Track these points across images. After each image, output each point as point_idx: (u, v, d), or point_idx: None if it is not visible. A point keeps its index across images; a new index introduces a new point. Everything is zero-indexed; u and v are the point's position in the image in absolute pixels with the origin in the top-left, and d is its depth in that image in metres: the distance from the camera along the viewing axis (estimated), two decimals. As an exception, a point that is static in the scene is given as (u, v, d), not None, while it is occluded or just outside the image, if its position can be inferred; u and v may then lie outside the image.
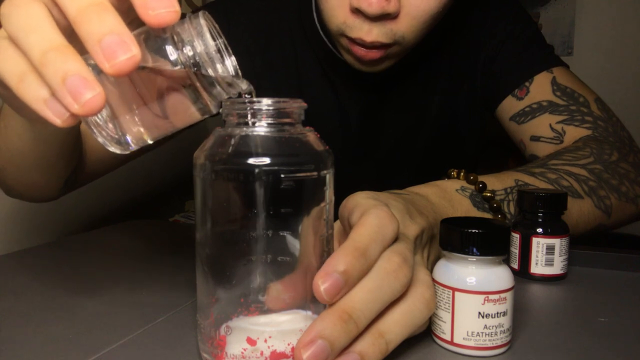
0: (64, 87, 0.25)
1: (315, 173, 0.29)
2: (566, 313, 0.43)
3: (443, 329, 0.35)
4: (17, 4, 0.27)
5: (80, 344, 0.36)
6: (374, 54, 0.58)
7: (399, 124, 0.76)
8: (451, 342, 0.34)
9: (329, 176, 0.30)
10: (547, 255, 0.48)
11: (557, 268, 0.49)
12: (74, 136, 0.52)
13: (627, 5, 1.83)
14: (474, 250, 0.33)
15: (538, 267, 0.49)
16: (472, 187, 0.50)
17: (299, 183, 0.28)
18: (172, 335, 0.37)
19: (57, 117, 0.27)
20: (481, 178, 0.51)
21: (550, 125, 0.66)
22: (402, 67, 0.70)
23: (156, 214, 1.35)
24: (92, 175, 0.65)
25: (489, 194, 0.50)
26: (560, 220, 0.49)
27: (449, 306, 0.34)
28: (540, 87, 0.67)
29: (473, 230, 0.33)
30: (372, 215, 0.31)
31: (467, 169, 0.52)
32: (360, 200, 0.34)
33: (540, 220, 0.49)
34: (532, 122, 0.67)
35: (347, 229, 0.35)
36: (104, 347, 0.35)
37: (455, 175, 0.51)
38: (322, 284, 0.27)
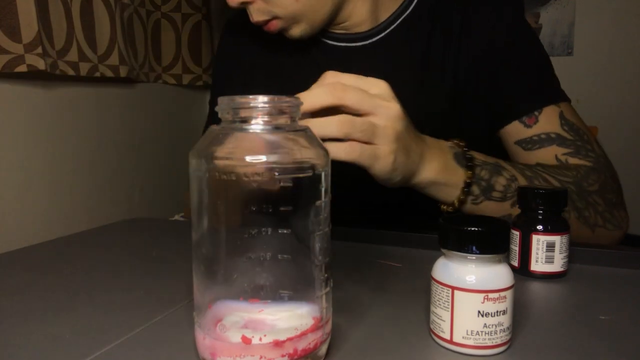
0: None
1: (310, 171, 0.29)
2: (566, 311, 0.42)
3: (442, 328, 0.34)
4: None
5: (78, 343, 0.35)
6: (269, 27, 0.71)
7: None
8: (451, 341, 0.34)
9: (324, 174, 0.30)
10: (547, 252, 0.48)
11: (557, 265, 0.48)
12: None
13: (627, 5, 1.83)
14: (473, 248, 0.33)
15: (538, 264, 0.49)
16: (459, 149, 0.59)
17: (295, 181, 0.28)
18: (169, 334, 0.37)
19: None
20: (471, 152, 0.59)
21: (556, 155, 0.69)
22: (392, 45, 0.74)
23: (156, 213, 1.35)
24: None
25: (469, 155, 0.58)
26: (560, 218, 0.49)
27: (448, 305, 0.34)
28: (549, 119, 0.70)
29: (472, 229, 0.33)
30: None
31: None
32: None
33: (540, 217, 0.48)
34: (540, 151, 0.70)
35: None
36: (103, 346, 0.35)
37: (452, 141, 0.60)
38: None
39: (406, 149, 0.51)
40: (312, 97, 0.45)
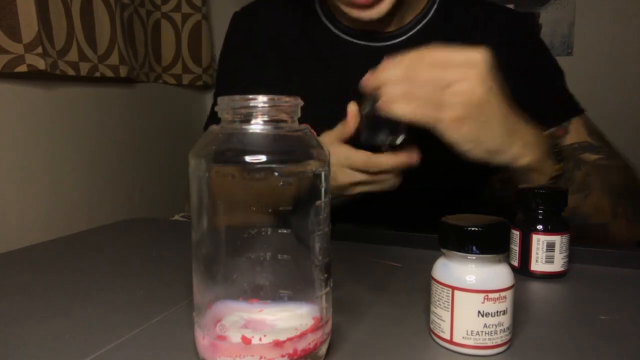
0: None
1: (310, 170, 0.29)
2: (567, 311, 0.42)
3: (442, 328, 0.34)
4: None
5: (78, 343, 0.35)
6: None
7: None
8: (451, 341, 0.34)
9: (324, 174, 0.30)
10: (547, 252, 0.48)
11: (557, 265, 0.48)
12: None
13: (627, 5, 1.83)
14: (474, 248, 0.33)
15: (538, 264, 0.48)
16: (553, 139, 0.60)
17: (294, 181, 0.28)
18: (169, 334, 0.37)
19: None
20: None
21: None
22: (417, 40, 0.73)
23: (156, 213, 1.35)
24: None
25: (558, 147, 0.60)
26: (560, 217, 0.49)
27: (448, 305, 0.34)
28: (577, 129, 0.72)
29: (472, 229, 0.33)
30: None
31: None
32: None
33: (540, 217, 0.48)
34: None
35: None
36: (103, 346, 0.35)
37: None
38: None
39: (483, 120, 0.49)
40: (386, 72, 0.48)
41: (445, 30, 0.75)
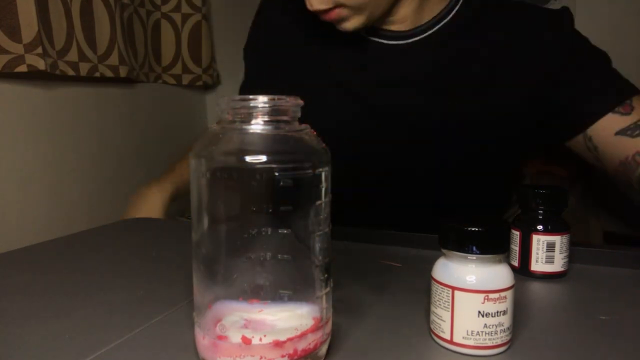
0: None
1: (310, 171, 0.29)
2: (567, 311, 0.42)
3: (443, 328, 0.34)
4: None
5: (78, 343, 0.35)
6: (328, 16, 0.69)
7: (424, 105, 0.75)
8: (451, 342, 0.34)
9: (324, 174, 0.30)
10: (547, 252, 0.48)
11: (557, 265, 0.48)
12: None
13: (627, 5, 1.83)
14: (474, 249, 0.33)
15: (538, 264, 0.48)
16: None
17: (295, 181, 0.28)
18: (169, 334, 0.37)
19: None
20: None
21: None
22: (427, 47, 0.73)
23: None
24: None
25: None
26: (560, 218, 0.49)
27: (448, 305, 0.34)
28: None
29: (472, 229, 0.33)
30: None
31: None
32: None
33: (540, 217, 0.48)
34: None
35: None
36: (103, 346, 0.35)
37: None
38: None
39: None
40: None
41: (464, 33, 0.73)
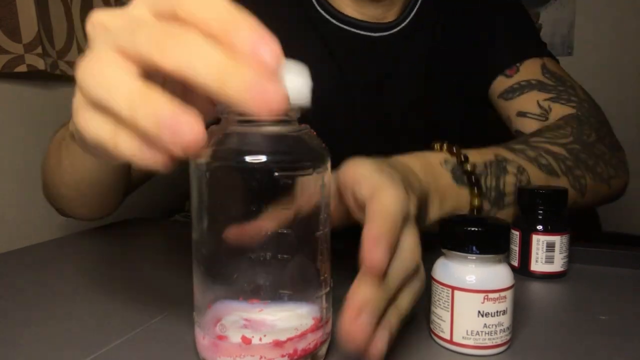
0: (162, 134, 0.23)
1: (310, 170, 0.29)
2: (566, 311, 0.42)
3: (442, 328, 0.34)
4: (89, 68, 0.26)
5: (78, 343, 0.35)
6: None
7: (405, 96, 0.75)
8: (450, 341, 0.34)
9: (325, 174, 0.30)
10: (547, 252, 0.48)
11: (557, 265, 0.48)
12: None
13: (627, 5, 1.83)
14: (474, 248, 0.33)
15: (538, 264, 0.48)
16: (454, 159, 0.50)
17: (294, 181, 0.28)
18: (169, 334, 0.37)
19: (159, 165, 0.25)
20: (463, 151, 0.52)
21: (537, 102, 0.68)
22: (406, 37, 0.73)
23: (156, 213, 1.35)
24: (134, 188, 0.69)
25: (469, 169, 0.50)
26: (560, 217, 0.49)
27: (448, 305, 0.34)
28: (530, 69, 0.71)
29: (472, 229, 0.33)
30: (393, 198, 0.31)
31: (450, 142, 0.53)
32: (365, 172, 0.34)
33: (540, 217, 0.48)
34: (520, 98, 0.70)
35: (351, 201, 0.35)
36: (103, 346, 0.35)
37: (439, 148, 0.52)
38: (370, 260, 0.29)
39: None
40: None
41: (439, 18, 0.74)
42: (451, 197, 0.49)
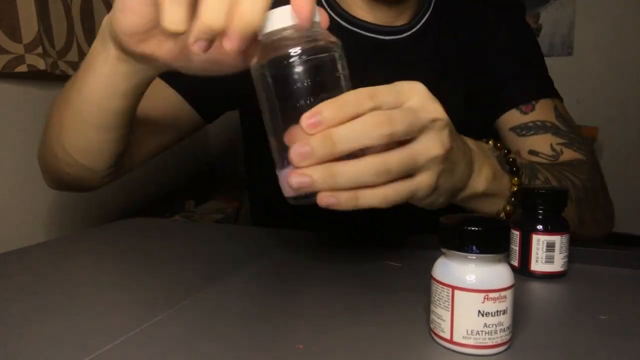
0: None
1: (327, 54, 0.38)
2: (566, 311, 0.42)
3: (442, 328, 0.34)
4: None
5: (78, 343, 0.35)
6: None
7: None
8: (451, 341, 0.34)
9: (337, 54, 0.39)
10: (547, 252, 0.48)
11: (557, 265, 0.48)
12: (137, 102, 0.54)
13: (627, 5, 1.83)
14: (474, 248, 0.33)
15: (538, 264, 0.49)
16: (499, 152, 0.56)
17: (320, 61, 0.38)
18: (169, 334, 0.37)
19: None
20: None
21: (551, 144, 0.71)
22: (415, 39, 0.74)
23: (156, 213, 1.35)
24: (132, 165, 0.69)
25: (511, 158, 0.56)
26: (560, 218, 0.49)
27: (448, 305, 0.34)
28: (545, 109, 0.73)
29: (472, 229, 0.33)
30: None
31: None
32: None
33: (540, 217, 0.48)
34: (535, 138, 0.72)
35: None
36: (103, 346, 0.35)
37: (485, 142, 0.57)
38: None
39: (452, 166, 0.43)
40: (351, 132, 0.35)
41: (446, 21, 0.75)
42: (497, 177, 0.52)
